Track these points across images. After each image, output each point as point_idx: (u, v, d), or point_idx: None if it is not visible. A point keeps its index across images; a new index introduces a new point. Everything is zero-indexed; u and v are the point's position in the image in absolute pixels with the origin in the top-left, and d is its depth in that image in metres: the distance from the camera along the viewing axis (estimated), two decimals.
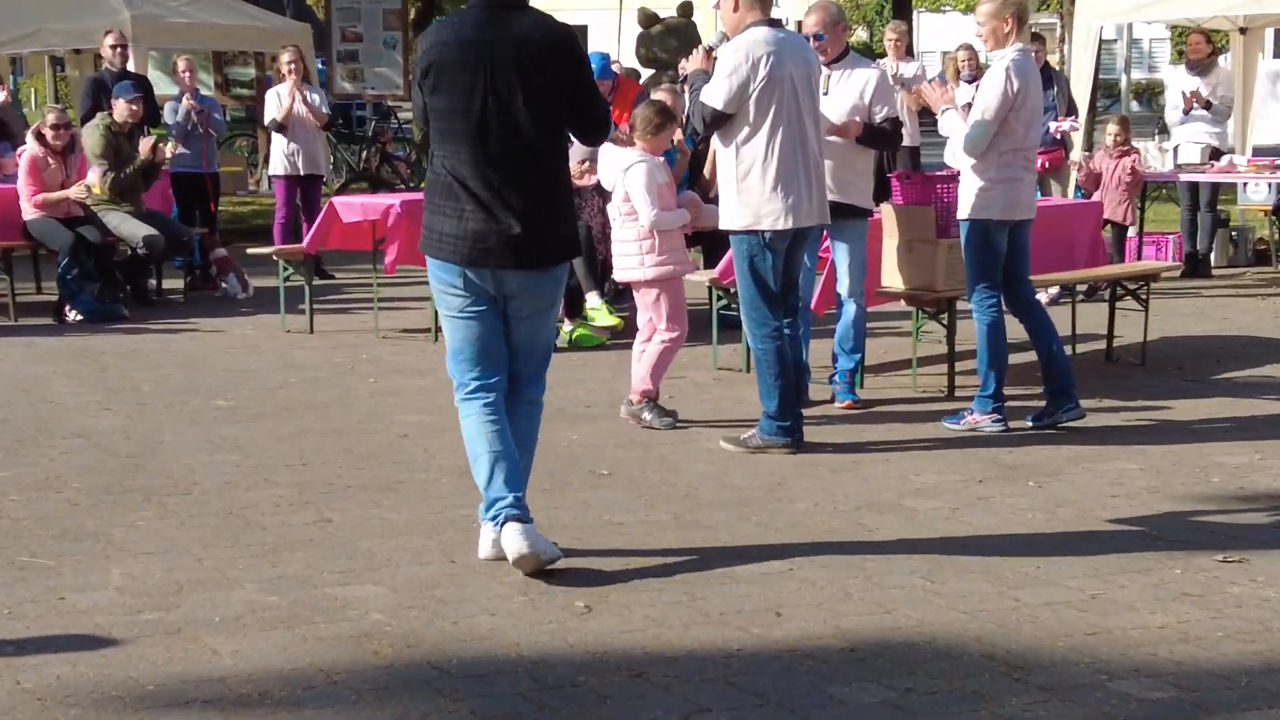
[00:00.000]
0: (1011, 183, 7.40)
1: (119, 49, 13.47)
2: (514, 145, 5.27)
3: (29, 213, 11.47)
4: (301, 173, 13.45)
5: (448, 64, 5.31)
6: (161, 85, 15.95)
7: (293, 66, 13.45)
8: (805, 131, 6.98)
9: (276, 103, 13.46)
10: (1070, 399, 7.53)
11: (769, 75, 6.85)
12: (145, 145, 11.79)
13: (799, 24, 8.50)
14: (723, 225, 7.12)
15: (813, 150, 7.02)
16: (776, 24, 7.12)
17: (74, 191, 11.36)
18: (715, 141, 7.27)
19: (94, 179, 11.47)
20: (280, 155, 13.46)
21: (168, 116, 13.28)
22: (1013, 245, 7.52)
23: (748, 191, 6.95)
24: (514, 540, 5.22)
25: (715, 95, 6.94)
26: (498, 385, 5.41)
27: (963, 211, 7.49)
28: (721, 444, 7.19)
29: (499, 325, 5.41)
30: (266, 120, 13.91)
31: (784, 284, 7.20)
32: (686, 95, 7.34)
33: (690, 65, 7.31)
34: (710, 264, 10.23)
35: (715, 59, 7.23)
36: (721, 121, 6.98)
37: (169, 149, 12.18)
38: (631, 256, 7.80)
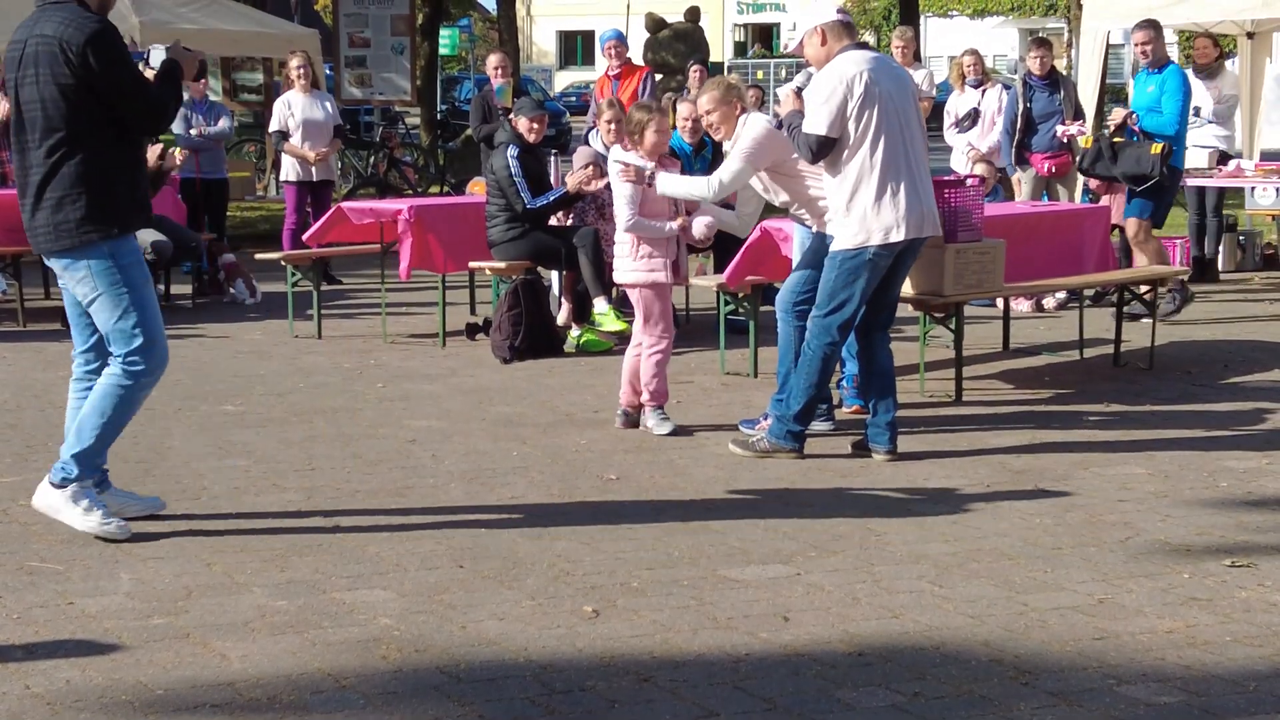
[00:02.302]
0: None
1: None
2: (31, 139, 5.64)
3: None
4: (315, 178, 13.47)
5: (9, 61, 5.71)
6: None
7: (301, 72, 13.46)
8: (906, 145, 6.94)
9: (285, 110, 13.49)
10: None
11: (865, 92, 6.82)
12: (153, 153, 11.80)
13: None
14: (834, 246, 7.01)
15: (916, 163, 6.98)
16: (865, 46, 7.13)
17: None
18: (823, 170, 7.08)
19: None
20: (291, 161, 13.47)
21: (175, 125, 13.29)
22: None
23: (856, 209, 6.89)
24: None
25: (817, 123, 6.87)
26: (80, 356, 5.97)
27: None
28: (730, 446, 7.20)
29: (74, 303, 5.86)
30: (271, 129, 13.94)
31: (884, 301, 7.15)
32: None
33: (784, 109, 7.23)
34: (720, 268, 10.24)
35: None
36: (829, 147, 6.89)
37: (177, 155, 12.20)
38: (623, 259, 7.81)
